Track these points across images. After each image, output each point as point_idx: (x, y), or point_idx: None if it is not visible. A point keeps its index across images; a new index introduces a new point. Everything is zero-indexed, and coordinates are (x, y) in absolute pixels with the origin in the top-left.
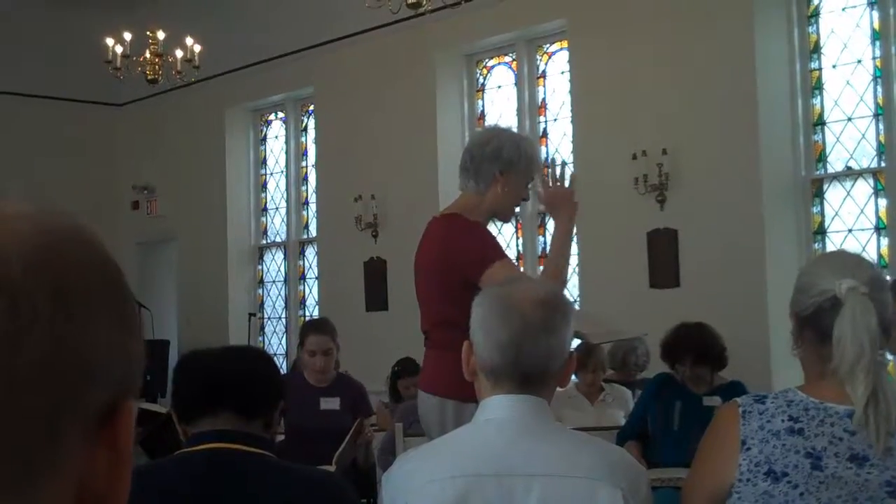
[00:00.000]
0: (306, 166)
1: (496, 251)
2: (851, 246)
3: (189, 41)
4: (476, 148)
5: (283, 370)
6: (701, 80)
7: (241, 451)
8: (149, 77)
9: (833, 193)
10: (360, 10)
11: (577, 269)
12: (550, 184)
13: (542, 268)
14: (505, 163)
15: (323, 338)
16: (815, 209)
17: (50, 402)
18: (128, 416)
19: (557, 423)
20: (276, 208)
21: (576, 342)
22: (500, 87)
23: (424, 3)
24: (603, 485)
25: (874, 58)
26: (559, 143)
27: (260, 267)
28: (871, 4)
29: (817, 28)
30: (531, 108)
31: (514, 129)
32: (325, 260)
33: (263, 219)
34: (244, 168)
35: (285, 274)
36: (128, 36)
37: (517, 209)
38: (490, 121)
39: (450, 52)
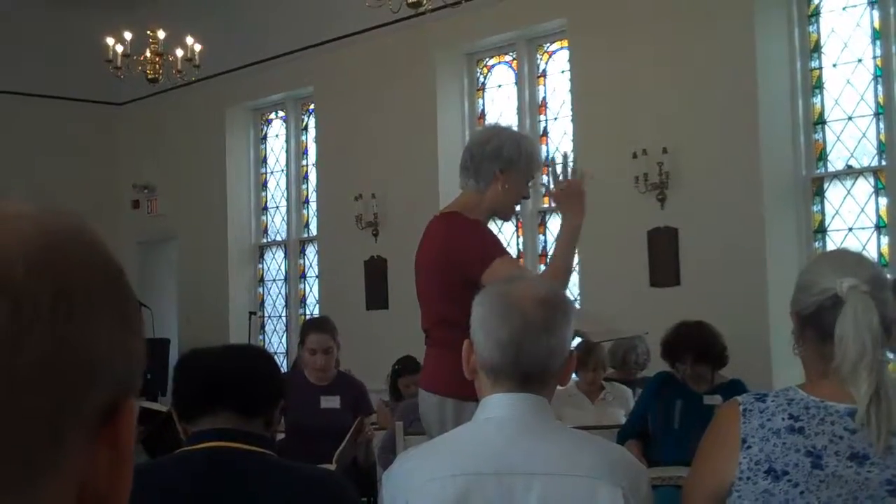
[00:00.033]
0: (307, 165)
1: (497, 248)
2: (852, 245)
3: (189, 40)
4: (476, 146)
5: (284, 369)
6: (701, 79)
7: (241, 449)
8: (149, 76)
9: (833, 192)
10: (361, 9)
11: (577, 268)
12: (561, 178)
13: (544, 265)
14: (505, 161)
15: (323, 336)
16: (816, 208)
17: (51, 401)
18: (129, 415)
19: (558, 421)
20: (277, 207)
21: (576, 341)
22: (500, 86)
23: (425, 2)
24: (603, 483)
25: (874, 57)
26: (559, 143)
27: (260, 265)
28: (871, 4)
29: (818, 27)
30: (531, 107)
31: (515, 128)
32: (325, 259)
33: (264, 217)
34: (244, 167)
35: (286, 272)
36: (128, 35)
37: (517, 208)
38: (490, 120)
39: (450, 52)
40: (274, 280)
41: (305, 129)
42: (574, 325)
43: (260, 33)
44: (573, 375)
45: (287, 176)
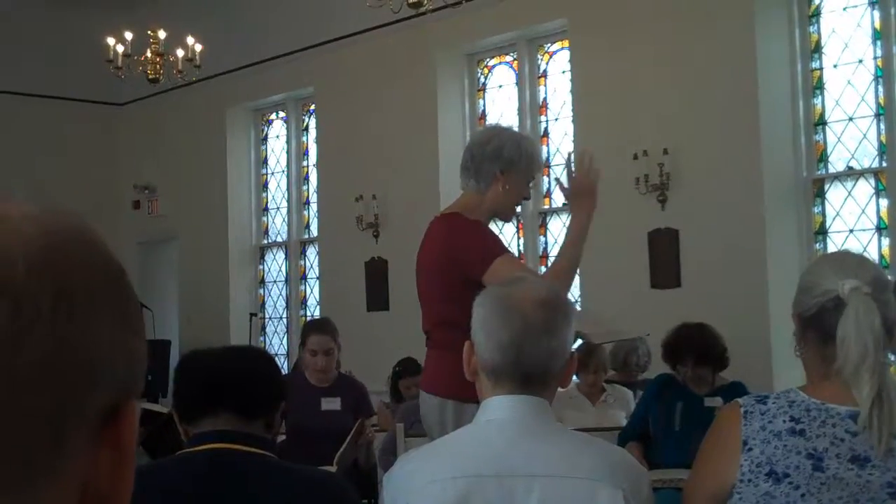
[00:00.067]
0: (307, 166)
1: (498, 247)
2: (852, 246)
3: (190, 41)
4: (477, 147)
5: (284, 370)
6: (702, 80)
7: (242, 451)
8: (150, 76)
9: (834, 193)
10: (361, 9)
11: (578, 269)
12: (574, 174)
13: (545, 266)
14: (506, 162)
15: (324, 338)
16: (817, 209)
17: (53, 402)
18: (131, 416)
19: (558, 423)
20: (278, 208)
21: (577, 342)
22: (501, 86)
23: (425, 2)
24: (604, 486)
25: (875, 57)
26: (560, 143)
27: (261, 267)
28: (872, 4)
29: (818, 28)
30: (532, 107)
31: (515, 129)
32: (326, 260)
33: (264, 218)
34: (245, 168)
35: (286, 274)
36: (129, 35)
37: (518, 209)
38: (491, 120)
39: (451, 52)
40: (275, 281)
41: (306, 129)
42: (575, 327)
43: (260, 33)
44: (574, 377)
45: (288, 177)
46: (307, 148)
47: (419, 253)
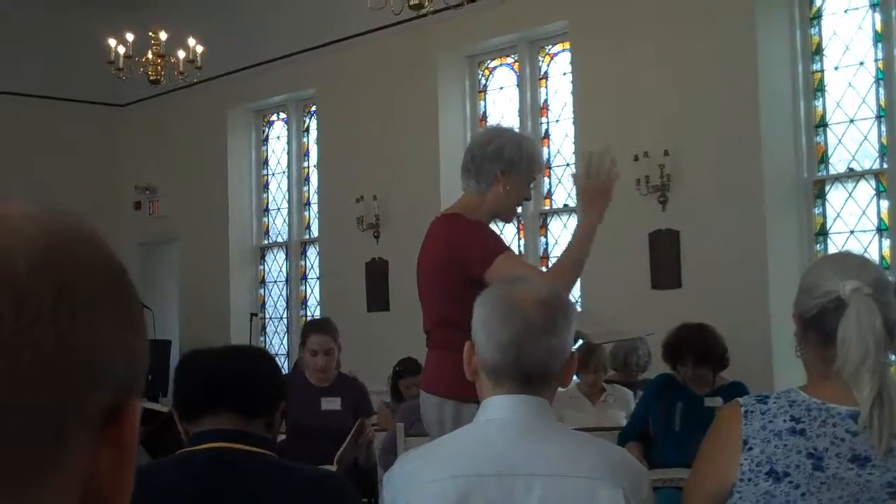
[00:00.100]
0: (308, 167)
1: (499, 246)
2: (853, 247)
3: (191, 42)
4: (477, 148)
5: (285, 370)
6: (703, 82)
7: (242, 450)
8: (151, 78)
9: (835, 195)
10: (363, 11)
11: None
12: (592, 173)
13: (545, 267)
14: (506, 163)
15: (324, 337)
16: (817, 210)
17: (54, 401)
18: (132, 416)
19: (559, 423)
20: (278, 209)
21: (578, 342)
22: (501, 88)
23: (426, 4)
24: (604, 485)
25: (876, 60)
26: (561, 145)
27: (261, 267)
28: (873, 6)
29: (819, 30)
30: (533, 109)
31: (516, 130)
32: (326, 260)
33: (265, 219)
34: (246, 168)
35: (287, 274)
36: (130, 36)
37: (519, 209)
38: (492, 122)
39: (452, 54)
40: (275, 281)
41: (307, 130)
42: (576, 327)
43: (261, 35)
44: (574, 377)
45: (288, 177)
46: (308, 149)
47: (420, 253)
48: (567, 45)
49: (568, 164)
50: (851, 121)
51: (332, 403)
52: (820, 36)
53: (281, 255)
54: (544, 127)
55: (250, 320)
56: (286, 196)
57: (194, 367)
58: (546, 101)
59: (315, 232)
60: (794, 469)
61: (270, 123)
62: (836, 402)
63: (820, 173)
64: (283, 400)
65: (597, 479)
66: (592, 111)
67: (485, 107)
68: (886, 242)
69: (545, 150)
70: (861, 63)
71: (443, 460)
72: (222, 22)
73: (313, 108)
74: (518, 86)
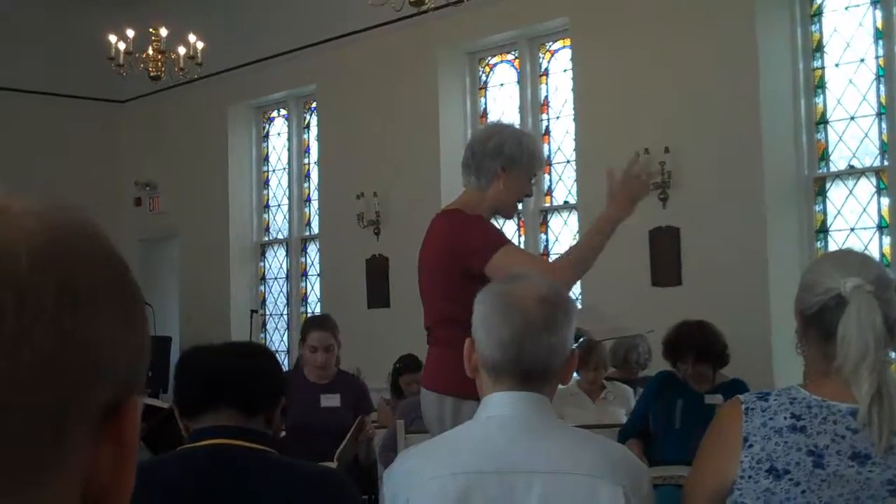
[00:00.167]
0: (308, 163)
1: (499, 239)
2: (853, 245)
3: (192, 38)
4: (478, 144)
5: (285, 367)
6: (703, 79)
7: (242, 447)
8: (151, 74)
9: (835, 192)
10: (363, 7)
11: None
12: (634, 173)
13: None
14: (507, 159)
15: (324, 334)
16: (818, 208)
17: (55, 400)
18: (133, 412)
19: (559, 420)
20: (279, 205)
21: (580, 339)
22: (502, 84)
23: (427, 1)
24: (604, 482)
25: (877, 57)
26: (562, 141)
27: (262, 264)
28: (874, 3)
29: (820, 27)
30: (533, 105)
31: (517, 126)
32: (326, 257)
33: (265, 215)
34: (246, 165)
35: (287, 271)
36: (130, 33)
37: (519, 206)
38: (492, 118)
39: (452, 50)
40: (275, 278)
41: (307, 127)
42: (577, 324)
43: (262, 31)
44: (574, 374)
45: (289, 174)
46: (308, 145)
47: (421, 250)
48: (568, 42)
49: (568, 161)
50: (852, 118)
51: (331, 400)
52: (820, 33)
53: (281, 252)
54: (545, 124)
55: (250, 317)
56: (286, 192)
57: (195, 363)
58: (546, 97)
59: (315, 228)
60: (794, 466)
61: (271, 120)
62: (837, 399)
63: (820, 170)
64: (284, 397)
65: (597, 476)
66: (593, 108)
67: (485, 103)
68: (887, 240)
69: (546, 146)
70: (862, 60)
71: (443, 457)
72: (223, 18)
73: (314, 104)
74: (518, 82)
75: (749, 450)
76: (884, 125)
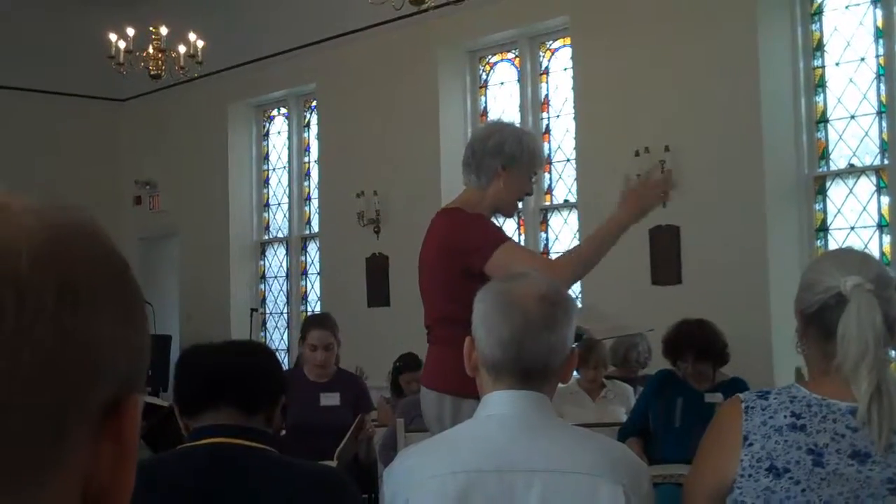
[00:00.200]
0: (308, 162)
1: (499, 236)
2: (853, 243)
3: (192, 37)
4: (478, 143)
5: (285, 366)
6: (704, 77)
7: (242, 445)
8: (151, 72)
9: (835, 191)
10: (363, 6)
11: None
12: (647, 179)
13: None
14: (507, 157)
15: (324, 332)
16: (818, 206)
17: (55, 399)
18: (133, 411)
19: (559, 419)
20: (279, 204)
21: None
22: (502, 83)
23: None
24: (604, 481)
25: (877, 55)
26: (562, 140)
27: (262, 262)
28: (874, 2)
29: (820, 26)
30: (534, 104)
31: (517, 125)
32: (326, 256)
33: (265, 214)
34: (246, 163)
35: (287, 269)
36: (130, 31)
37: (520, 204)
38: (493, 117)
39: (453, 49)
40: (275, 277)
41: (307, 125)
42: (578, 323)
43: (262, 30)
44: (574, 373)
45: (289, 172)
46: (308, 144)
47: (421, 249)
48: (568, 41)
49: (568, 160)
50: (852, 117)
51: (330, 399)
52: (821, 32)
53: (281, 251)
54: (545, 122)
55: (250, 315)
56: (286, 191)
57: (195, 362)
58: (547, 96)
59: (315, 227)
60: (794, 465)
61: (271, 118)
62: (837, 398)
63: (821, 169)
64: (284, 395)
65: (597, 475)
66: (593, 107)
67: (485, 102)
68: (887, 238)
69: (546, 145)
70: (862, 59)
71: (443, 456)
72: (223, 17)
73: (314, 103)
74: (519, 81)
75: (749, 448)
76: (884, 124)
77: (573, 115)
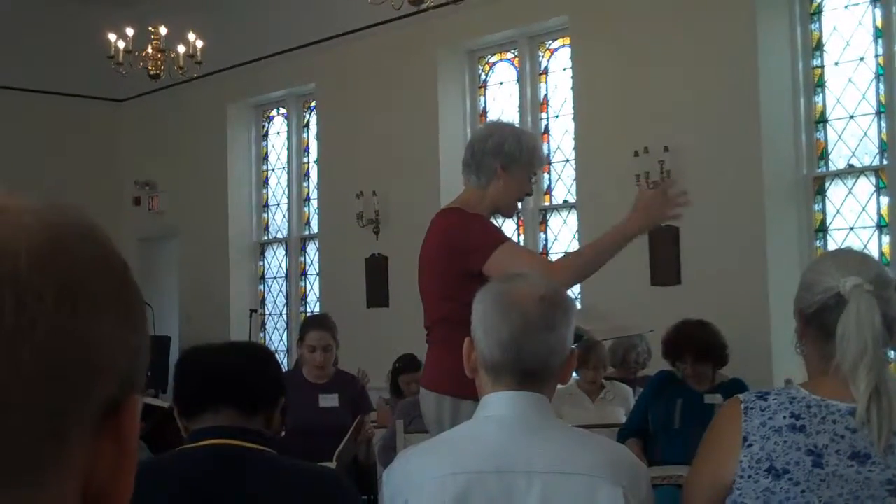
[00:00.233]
0: (308, 162)
1: (498, 237)
2: (853, 243)
3: (191, 37)
4: (477, 143)
5: (284, 367)
6: (703, 77)
7: (242, 447)
8: (151, 72)
9: (835, 191)
10: (363, 6)
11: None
12: (660, 192)
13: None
14: (506, 157)
15: (323, 334)
16: (817, 207)
17: (55, 399)
18: (132, 411)
19: (559, 419)
20: (278, 204)
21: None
22: (502, 83)
23: None
24: (604, 482)
25: (876, 55)
26: (561, 140)
27: (261, 263)
28: (873, 2)
29: (820, 25)
30: (533, 104)
31: (516, 125)
32: (326, 256)
33: (265, 215)
34: (246, 164)
35: (286, 270)
36: (130, 31)
37: (520, 204)
38: (492, 117)
39: (452, 49)
40: (275, 277)
41: (307, 125)
42: (578, 323)
43: (261, 30)
44: (574, 374)
45: (288, 173)
46: (308, 144)
47: (421, 249)
48: (567, 41)
49: (568, 160)
50: (851, 117)
51: (330, 400)
52: (820, 31)
53: (280, 251)
54: (544, 122)
55: (250, 316)
56: (286, 192)
57: (194, 363)
58: (546, 96)
59: (315, 228)
60: (793, 466)
61: (270, 118)
62: (836, 398)
63: (820, 169)
64: (283, 396)
65: (596, 476)
66: (592, 107)
67: (485, 102)
68: (886, 239)
69: (545, 145)
70: (861, 59)
71: (442, 457)
72: (222, 17)
73: (313, 103)
74: (518, 81)
75: (748, 449)
76: (883, 124)
77: (572, 116)
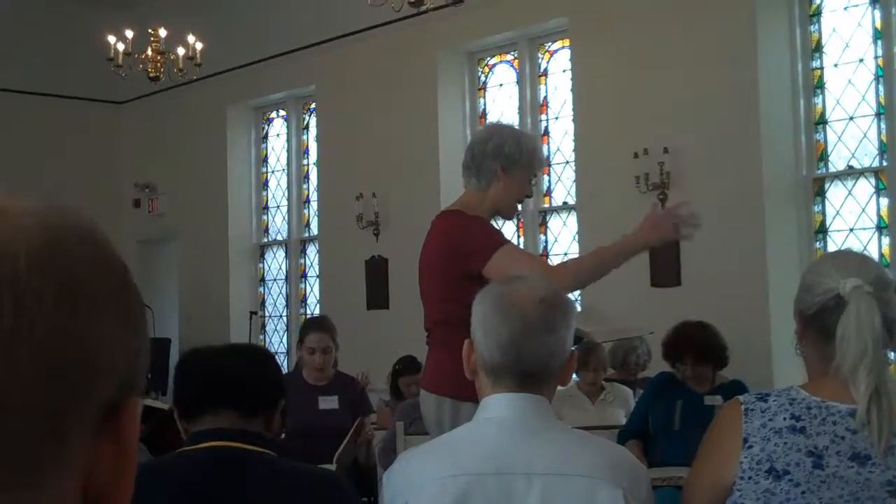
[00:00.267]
0: (308, 164)
1: (498, 239)
2: (852, 245)
3: (191, 39)
4: (477, 145)
5: (284, 369)
6: (702, 79)
7: (242, 449)
8: (150, 74)
9: (834, 192)
10: (363, 7)
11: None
12: (672, 210)
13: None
14: (506, 159)
15: (323, 336)
16: (817, 208)
17: (55, 397)
18: (132, 412)
19: (558, 421)
20: (278, 206)
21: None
22: (501, 85)
23: (426, 1)
24: (604, 484)
25: (876, 57)
26: (561, 142)
27: (261, 265)
28: (873, 3)
29: (819, 27)
30: (533, 106)
31: (516, 127)
32: (326, 258)
33: (265, 217)
34: (245, 166)
35: (286, 272)
36: (129, 33)
37: (520, 206)
38: (492, 119)
39: (452, 51)
40: (275, 279)
41: (307, 127)
42: (578, 325)
43: (261, 32)
44: (574, 376)
45: (288, 175)
46: (307, 146)
47: (421, 251)
48: (567, 43)
49: (567, 162)
50: (851, 118)
51: (329, 402)
52: (819, 33)
53: (280, 253)
54: (544, 124)
55: (250, 318)
56: (286, 194)
57: (194, 365)
58: (546, 98)
59: (315, 230)
60: (794, 467)
61: (270, 120)
62: (836, 399)
63: (819, 171)
64: (283, 399)
65: (596, 478)
66: (592, 108)
67: (484, 104)
68: (886, 240)
69: (545, 147)
70: (861, 60)
71: (442, 459)
72: (222, 19)
73: (313, 105)
74: (518, 83)
75: (749, 451)
76: (883, 125)
77: (572, 117)
